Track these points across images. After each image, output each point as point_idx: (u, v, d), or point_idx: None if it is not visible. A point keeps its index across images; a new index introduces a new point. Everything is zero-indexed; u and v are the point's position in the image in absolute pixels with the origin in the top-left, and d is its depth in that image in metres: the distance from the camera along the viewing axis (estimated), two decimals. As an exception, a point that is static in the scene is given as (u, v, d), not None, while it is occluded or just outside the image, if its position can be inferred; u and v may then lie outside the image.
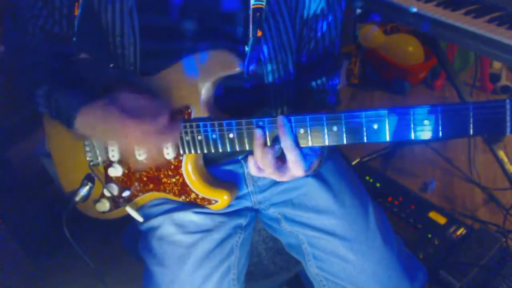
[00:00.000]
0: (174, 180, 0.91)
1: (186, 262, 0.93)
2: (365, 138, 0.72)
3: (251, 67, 0.90)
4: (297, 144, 0.76)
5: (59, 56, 0.93)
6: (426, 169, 2.18)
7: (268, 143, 0.78)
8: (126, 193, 0.95)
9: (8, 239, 1.67)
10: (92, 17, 0.90)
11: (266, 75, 0.94)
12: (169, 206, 0.98)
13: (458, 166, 2.16)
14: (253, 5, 0.87)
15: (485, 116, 0.65)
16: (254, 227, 1.12)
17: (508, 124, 0.63)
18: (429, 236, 1.58)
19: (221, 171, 1.01)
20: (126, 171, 0.94)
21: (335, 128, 0.74)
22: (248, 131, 0.79)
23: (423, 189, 2.04)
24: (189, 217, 0.96)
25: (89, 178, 0.96)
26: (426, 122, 0.68)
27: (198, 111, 0.84)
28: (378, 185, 1.87)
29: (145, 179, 0.94)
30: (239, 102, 0.94)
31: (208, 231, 0.96)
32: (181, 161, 0.89)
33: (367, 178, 1.90)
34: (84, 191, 0.93)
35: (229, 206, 0.94)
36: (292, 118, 0.75)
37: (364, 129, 0.72)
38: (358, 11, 2.56)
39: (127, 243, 1.21)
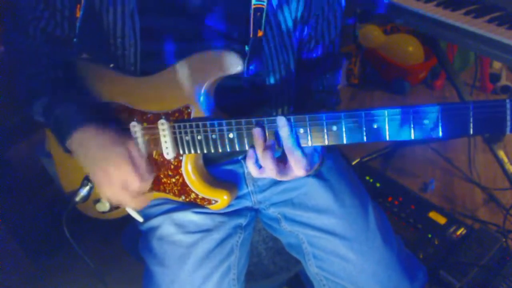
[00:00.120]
0: (174, 180, 0.91)
1: (186, 262, 0.93)
2: (365, 138, 0.72)
3: (252, 67, 0.90)
4: (298, 144, 0.76)
5: (58, 67, 0.94)
6: (426, 169, 2.18)
7: (268, 142, 0.78)
8: (126, 193, 0.95)
9: (8, 239, 1.66)
10: (94, 19, 0.90)
11: (267, 75, 0.94)
12: (169, 206, 0.98)
13: (458, 166, 2.16)
14: (254, 4, 0.87)
15: (485, 116, 0.65)
16: (254, 227, 1.12)
17: (508, 123, 0.63)
18: (429, 236, 1.58)
19: (221, 171, 1.01)
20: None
21: (334, 128, 0.74)
22: (248, 131, 0.79)
23: (423, 189, 2.04)
24: (189, 217, 0.97)
25: (89, 178, 0.96)
26: (426, 121, 0.68)
27: (198, 111, 0.84)
28: (378, 185, 1.87)
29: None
30: (239, 102, 0.94)
31: (208, 231, 0.96)
32: (181, 161, 0.89)
33: (367, 178, 1.90)
34: (84, 191, 0.93)
35: (229, 206, 0.94)
36: (292, 118, 0.75)
37: (364, 128, 0.72)
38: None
39: (127, 243, 1.21)
